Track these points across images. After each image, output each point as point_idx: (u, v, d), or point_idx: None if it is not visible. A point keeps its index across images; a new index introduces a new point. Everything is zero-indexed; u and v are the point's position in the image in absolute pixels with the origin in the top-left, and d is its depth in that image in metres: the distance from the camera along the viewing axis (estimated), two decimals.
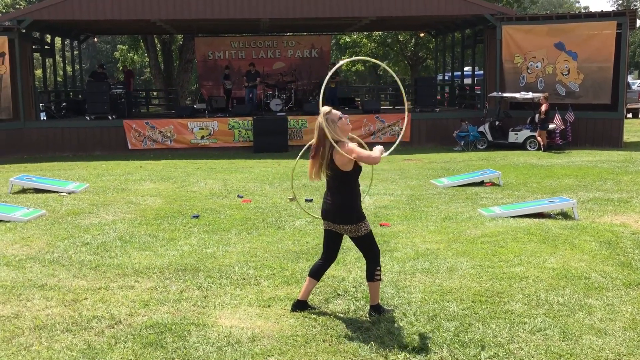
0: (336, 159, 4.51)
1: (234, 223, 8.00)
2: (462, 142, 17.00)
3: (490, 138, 17.10)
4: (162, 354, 4.08)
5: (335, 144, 4.42)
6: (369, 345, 4.21)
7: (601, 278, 5.47)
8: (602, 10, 17.56)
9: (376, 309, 4.76)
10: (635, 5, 53.16)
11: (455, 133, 17.26)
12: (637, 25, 20.86)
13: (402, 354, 4.08)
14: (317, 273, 4.83)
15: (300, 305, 4.86)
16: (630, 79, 36.64)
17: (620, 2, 54.87)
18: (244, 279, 5.69)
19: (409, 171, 12.73)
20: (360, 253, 6.40)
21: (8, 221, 8.04)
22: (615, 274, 5.57)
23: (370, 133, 17.81)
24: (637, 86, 32.19)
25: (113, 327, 4.54)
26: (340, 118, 4.54)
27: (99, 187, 11.08)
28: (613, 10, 17.70)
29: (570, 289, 5.20)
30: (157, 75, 30.12)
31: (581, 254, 6.23)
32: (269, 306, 4.97)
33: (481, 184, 10.83)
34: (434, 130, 18.25)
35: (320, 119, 4.50)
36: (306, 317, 4.73)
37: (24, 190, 10.62)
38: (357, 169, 4.61)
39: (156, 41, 29.93)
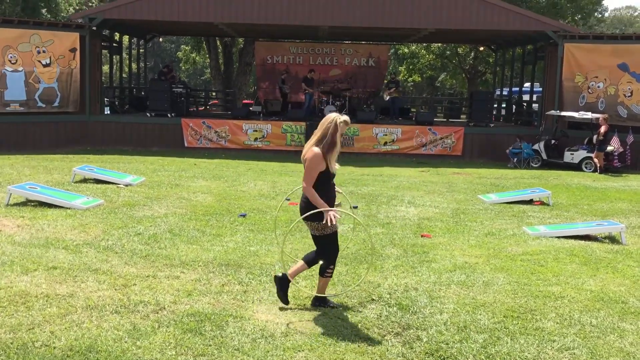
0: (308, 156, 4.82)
1: (279, 224, 8.24)
2: (515, 159, 16.80)
3: (544, 157, 16.82)
4: (200, 340, 4.34)
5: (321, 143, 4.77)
6: (397, 349, 4.35)
7: (639, 303, 5.42)
8: None
9: (320, 299, 5.13)
10: None
11: (508, 150, 17.08)
12: None
13: None
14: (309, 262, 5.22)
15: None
16: None
17: None
18: None
19: (458, 185, 12.72)
20: (397, 262, 6.57)
21: (69, 208, 8.55)
22: None
23: (421, 144, 17.84)
24: None
25: (157, 313, 4.83)
26: (342, 135, 4.89)
27: (154, 181, 11.57)
28: None
29: (605, 311, 5.19)
30: (216, 76, 30.93)
31: (622, 278, 6.17)
32: (304, 305, 5.17)
33: (530, 202, 10.73)
34: (487, 145, 18.09)
35: (339, 118, 4.82)
36: (339, 318, 4.91)
37: (85, 180, 11.21)
38: (325, 172, 4.82)
39: (218, 43, 30.76)
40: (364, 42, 25.08)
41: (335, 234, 4.99)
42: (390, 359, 4.21)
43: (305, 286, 5.67)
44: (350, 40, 25.29)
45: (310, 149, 4.81)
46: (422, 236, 7.87)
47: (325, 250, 5.04)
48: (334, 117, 4.85)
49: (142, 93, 23.18)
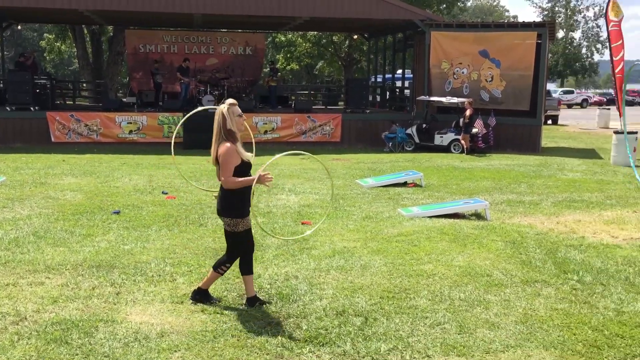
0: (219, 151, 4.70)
1: (156, 219, 7.95)
2: (390, 144, 17.43)
3: (417, 140, 17.59)
4: (65, 350, 4.05)
5: (224, 138, 4.66)
6: (277, 339, 4.33)
7: (502, 275, 5.82)
8: (523, 21, 18.40)
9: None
10: (559, 17, 55.83)
11: (384, 134, 17.68)
12: (559, 36, 22.03)
13: (307, 348, 4.22)
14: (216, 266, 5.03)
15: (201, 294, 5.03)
16: (554, 86, 38.53)
17: (546, 13, 57.45)
18: (160, 275, 5.69)
19: (337, 171, 12.95)
20: (278, 251, 6.56)
21: None
22: (515, 272, 5.93)
23: (301, 132, 17.98)
24: (558, 94, 33.91)
25: (17, 324, 4.46)
26: (240, 115, 4.75)
27: (16, 180, 10.70)
28: (534, 21, 18.53)
29: (473, 285, 5.51)
30: (85, 66, 29.22)
31: (487, 252, 6.59)
32: (182, 302, 5.01)
33: (404, 184, 11.17)
34: (364, 131, 18.58)
35: (224, 107, 4.70)
36: (218, 313, 4.80)
37: None
38: (241, 165, 4.72)
39: (85, 31, 29.02)
40: (240, 31, 24.77)
41: (246, 232, 4.83)
42: (269, 350, 4.18)
43: (182, 282, 5.50)
44: (226, 28, 24.87)
45: (222, 145, 4.67)
46: (302, 224, 7.92)
47: (232, 247, 4.93)
48: (219, 109, 4.75)
49: (1, 85, 21.34)
